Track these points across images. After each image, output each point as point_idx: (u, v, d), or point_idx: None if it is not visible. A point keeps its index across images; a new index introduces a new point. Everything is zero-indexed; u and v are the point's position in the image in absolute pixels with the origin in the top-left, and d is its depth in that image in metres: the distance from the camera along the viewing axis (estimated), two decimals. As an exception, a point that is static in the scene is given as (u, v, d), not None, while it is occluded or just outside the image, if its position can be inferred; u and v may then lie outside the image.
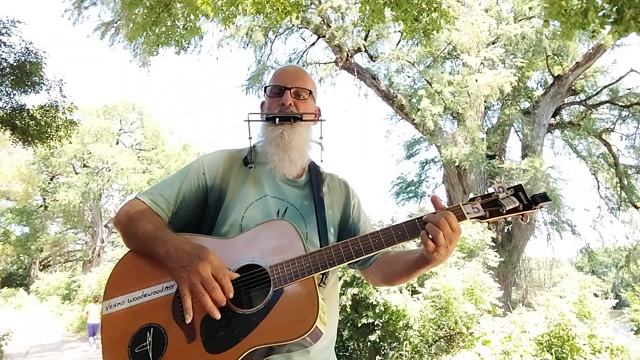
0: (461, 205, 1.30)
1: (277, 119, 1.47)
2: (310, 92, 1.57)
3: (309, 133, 1.55)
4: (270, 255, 1.27)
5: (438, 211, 1.28)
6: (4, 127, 9.89)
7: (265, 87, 1.60)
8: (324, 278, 1.33)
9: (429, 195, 15.99)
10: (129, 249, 1.39)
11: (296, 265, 1.24)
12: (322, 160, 1.62)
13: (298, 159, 1.52)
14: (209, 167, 1.51)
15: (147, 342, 1.21)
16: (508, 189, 1.31)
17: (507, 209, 1.28)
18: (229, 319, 1.20)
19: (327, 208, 1.53)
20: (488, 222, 1.33)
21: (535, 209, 1.28)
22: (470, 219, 1.29)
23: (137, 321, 1.24)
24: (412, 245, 5.32)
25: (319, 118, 1.57)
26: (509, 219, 1.33)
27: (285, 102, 1.50)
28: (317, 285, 1.25)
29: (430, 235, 1.22)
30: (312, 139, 1.56)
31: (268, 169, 1.51)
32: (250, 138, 1.53)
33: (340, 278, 6.64)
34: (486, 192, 1.35)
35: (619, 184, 14.38)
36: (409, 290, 7.04)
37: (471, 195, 1.32)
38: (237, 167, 1.54)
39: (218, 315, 1.18)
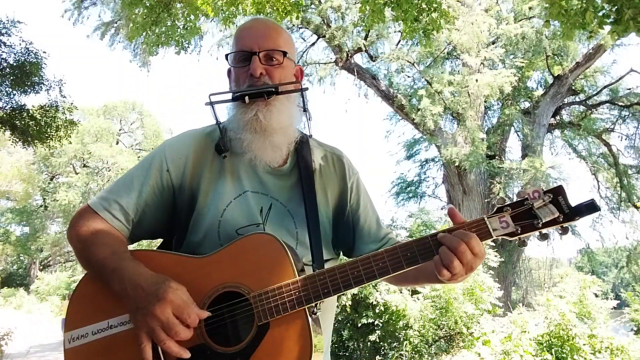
0: (486, 219, 1.05)
1: (247, 97, 1.17)
2: (285, 54, 1.24)
3: (292, 106, 1.25)
4: (253, 280, 1.07)
5: (456, 229, 1.05)
6: (4, 127, 9.90)
7: (227, 55, 1.27)
8: (318, 304, 1.09)
9: (429, 196, 15.98)
10: None
11: (284, 296, 1.04)
12: (310, 135, 1.35)
13: (282, 142, 1.25)
14: (174, 162, 1.23)
15: None
16: (545, 193, 1.05)
17: (543, 221, 1.03)
18: (207, 358, 1.04)
19: (320, 196, 1.28)
20: (519, 239, 1.07)
21: (577, 219, 1.03)
22: (497, 236, 1.06)
23: (102, 358, 1.08)
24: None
25: (301, 87, 1.25)
26: (545, 232, 1.05)
27: (254, 72, 1.19)
28: (311, 314, 1.06)
29: (444, 263, 1.01)
30: (296, 112, 1.26)
31: (247, 158, 1.24)
32: (218, 123, 1.24)
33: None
34: (517, 199, 1.07)
35: (619, 184, 14.37)
36: (409, 290, 7.04)
37: (499, 202, 1.07)
38: (210, 156, 1.26)
39: (187, 356, 1.01)
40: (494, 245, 10.14)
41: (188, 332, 1.01)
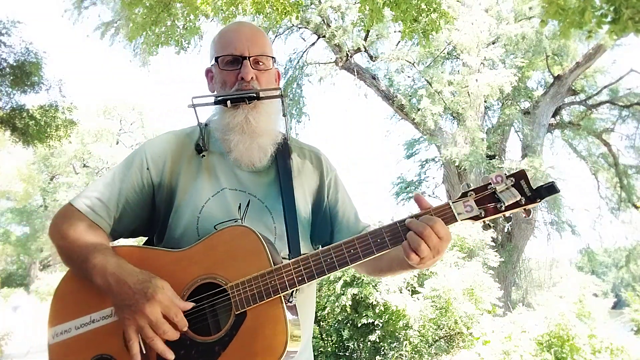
0: (451, 204, 1.10)
1: (229, 102, 1.22)
2: (274, 60, 1.32)
3: (276, 110, 1.29)
4: (230, 271, 1.11)
5: (423, 214, 1.10)
6: (4, 127, 9.89)
7: (217, 58, 1.31)
8: (294, 292, 1.14)
9: (429, 196, 15.96)
10: None
11: (260, 284, 1.08)
12: (288, 136, 1.36)
13: (268, 144, 1.29)
14: (154, 161, 1.27)
15: None
16: (508, 177, 1.09)
17: (506, 204, 1.08)
18: (188, 348, 1.08)
19: (298, 193, 1.31)
20: (483, 222, 1.12)
21: (539, 202, 1.08)
22: (462, 220, 1.10)
23: (86, 351, 1.13)
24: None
25: (280, 91, 1.27)
26: (508, 214, 1.11)
27: (245, 77, 1.24)
28: (286, 302, 1.11)
29: (412, 247, 1.05)
30: (279, 115, 1.30)
31: (232, 158, 1.28)
32: (199, 124, 1.29)
33: (339, 278, 6.63)
34: (481, 184, 1.12)
35: (619, 184, 14.37)
36: (409, 290, 7.04)
37: (463, 188, 1.13)
38: (188, 156, 1.30)
39: (171, 357, 1.06)
40: (494, 245, 10.14)
41: (175, 333, 1.06)
